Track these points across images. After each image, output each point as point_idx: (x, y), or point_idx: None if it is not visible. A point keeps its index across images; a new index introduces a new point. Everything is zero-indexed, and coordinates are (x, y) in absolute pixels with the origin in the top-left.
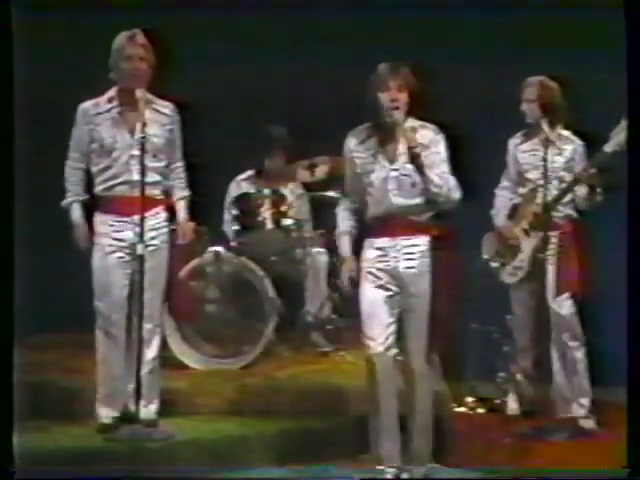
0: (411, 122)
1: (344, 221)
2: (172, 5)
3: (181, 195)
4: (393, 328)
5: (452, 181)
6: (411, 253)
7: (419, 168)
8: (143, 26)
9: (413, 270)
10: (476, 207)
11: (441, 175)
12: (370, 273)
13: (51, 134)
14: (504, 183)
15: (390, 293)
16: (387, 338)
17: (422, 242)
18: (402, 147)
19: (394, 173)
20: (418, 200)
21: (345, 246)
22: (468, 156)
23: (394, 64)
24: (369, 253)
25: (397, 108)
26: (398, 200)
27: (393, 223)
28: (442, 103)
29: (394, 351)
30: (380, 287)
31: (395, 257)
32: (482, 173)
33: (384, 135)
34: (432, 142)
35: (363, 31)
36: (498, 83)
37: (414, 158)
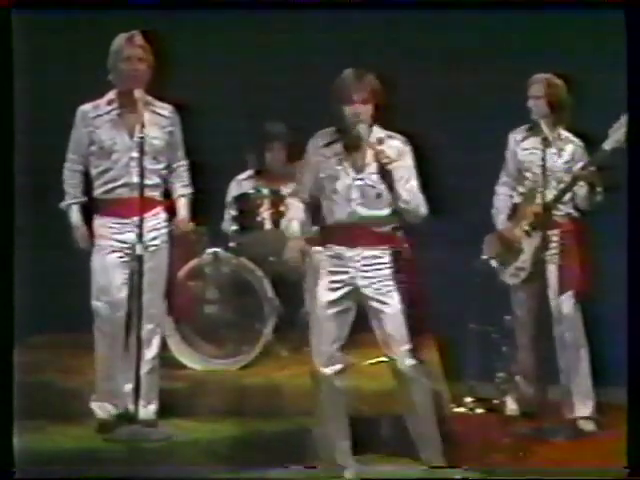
0: (378, 132)
1: (295, 210)
2: (172, 5)
3: (182, 192)
4: (341, 343)
5: (420, 197)
6: (370, 265)
7: (389, 183)
8: (143, 26)
9: (372, 280)
10: (473, 207)
11: (410, 190)
12: (324, 283)
13: (51, 135)
14: (503, 179)
15: (342, 307)
16: (333, 358)
17: (382, 253)
18: (369, 157)
19: (359, 182)
20: (382, 211)
21: (295, 227)
22: (462, 157)
23: (359, 72)
24: (326, 261)
25: (361, 122)
26: (361, 210)
27: (354, 232)
28: (438, 102)
29: (339, 367)
30: (333, 302)
31: (354, 268)
32: (479, 173)
33: (350, 143)
34: (400, 154)
35: (363, 31)
36: (498, 82)
37: (385, 174)
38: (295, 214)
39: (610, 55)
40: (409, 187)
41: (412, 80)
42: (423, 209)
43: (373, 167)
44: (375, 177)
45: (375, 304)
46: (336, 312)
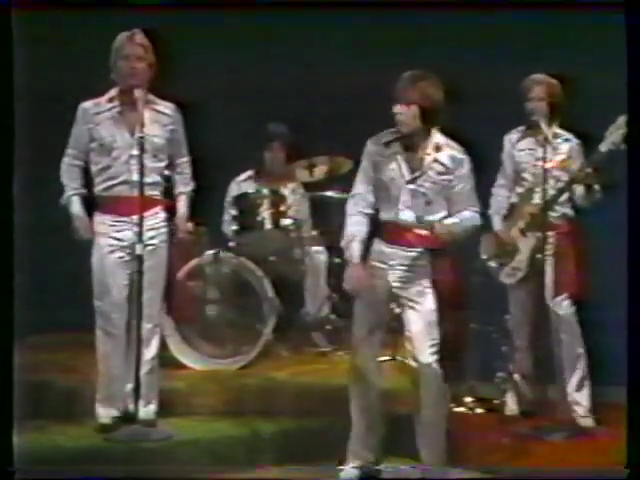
0: (436, 138)
1: (355, 225)
2: (172, 5)
3: (183, 189)
4: (377, 332)
5: (470, 220)
6: (407, 264)
7: (447, 196)
8: (143, 26)
9: (406, 279)
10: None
11: (458, 213)
12: (372, 274)
13: (51, 134)
14: (500, 181)
15: (376, 297)
16: (373, 342)
17: (420, 254)
18: (426, 164)
19: (412, 186)
20: (429, 217)
21: (355, 251)
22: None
23: (412, 74)
24: (373, 254)
25: (403, 123)
26: (407, 213)
27: (396, 231)
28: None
29: (371, 354)
30: (369, 291)
31: (391, 265)
32: (479, 173)
33: (408, 143)
34: (454, 165)
35: (363, 31)
36: (498, 83)
37: (443, 186)
38: (355, 232)
39: (610, 55)
40: (461, 207)
41: None
42: (471, 229)
43: (430, 175)
44: (429, 184)
45: (407, 302)
46: (370, 300)
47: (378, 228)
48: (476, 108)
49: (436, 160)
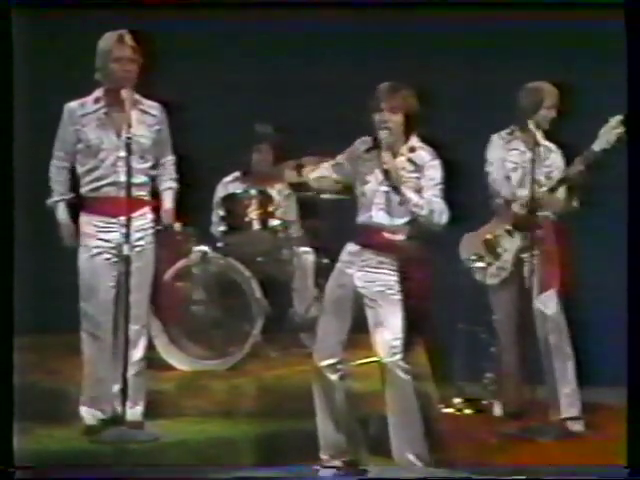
0: (412, 142)
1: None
2: (172, 5)
3: (169, 186)
4: (340, 338)
5: (437, 205)
6: (376, 268)
7: (394, 187)
8: (142, 26)
9: (374, 283)
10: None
11: (424, 196)
12: (333, 279)
13: (51, 134)
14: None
15: (344, 304)
16: (330, 351)
17: (390, 259)
18: (399, 163)
19: (384, 188)
20: (401, 219)
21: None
22: (458, 158)
23: (393, 85)
24: (342, 257)
25: (387, 129)
26: (381, 215)
27: (369, 235)
28: (435, 103)
29: (333, 361)
30: (336, 297)
31: (358, 267)
32: (470, 174)
33: (381, 151)
34: (426, 165)
35: (359, 31)
36: (497, 84)
37: (388, 177)
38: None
39: (610, 56)
40: (427, 196)
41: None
42: (440, 217)
43: (402, 174)
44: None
45: (374, 305)
46: (337, 307)
47: (353, 233)
48: (473, 112)
49: (409, 160)
